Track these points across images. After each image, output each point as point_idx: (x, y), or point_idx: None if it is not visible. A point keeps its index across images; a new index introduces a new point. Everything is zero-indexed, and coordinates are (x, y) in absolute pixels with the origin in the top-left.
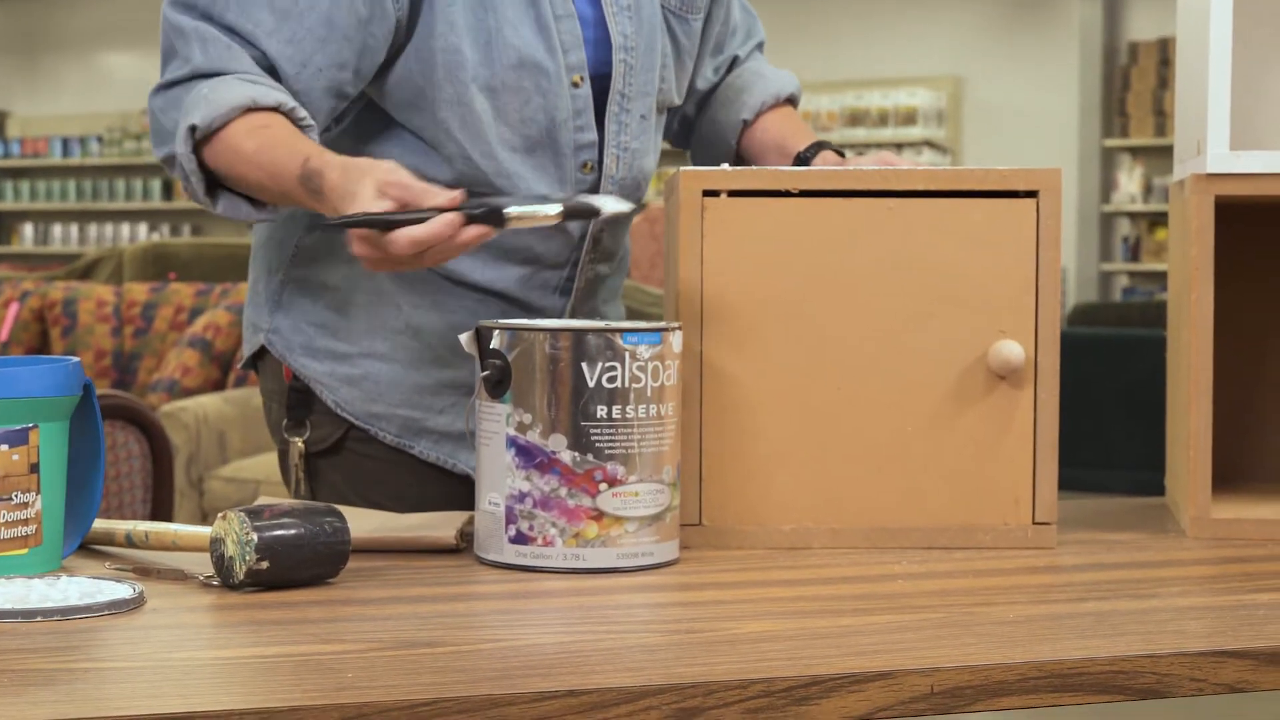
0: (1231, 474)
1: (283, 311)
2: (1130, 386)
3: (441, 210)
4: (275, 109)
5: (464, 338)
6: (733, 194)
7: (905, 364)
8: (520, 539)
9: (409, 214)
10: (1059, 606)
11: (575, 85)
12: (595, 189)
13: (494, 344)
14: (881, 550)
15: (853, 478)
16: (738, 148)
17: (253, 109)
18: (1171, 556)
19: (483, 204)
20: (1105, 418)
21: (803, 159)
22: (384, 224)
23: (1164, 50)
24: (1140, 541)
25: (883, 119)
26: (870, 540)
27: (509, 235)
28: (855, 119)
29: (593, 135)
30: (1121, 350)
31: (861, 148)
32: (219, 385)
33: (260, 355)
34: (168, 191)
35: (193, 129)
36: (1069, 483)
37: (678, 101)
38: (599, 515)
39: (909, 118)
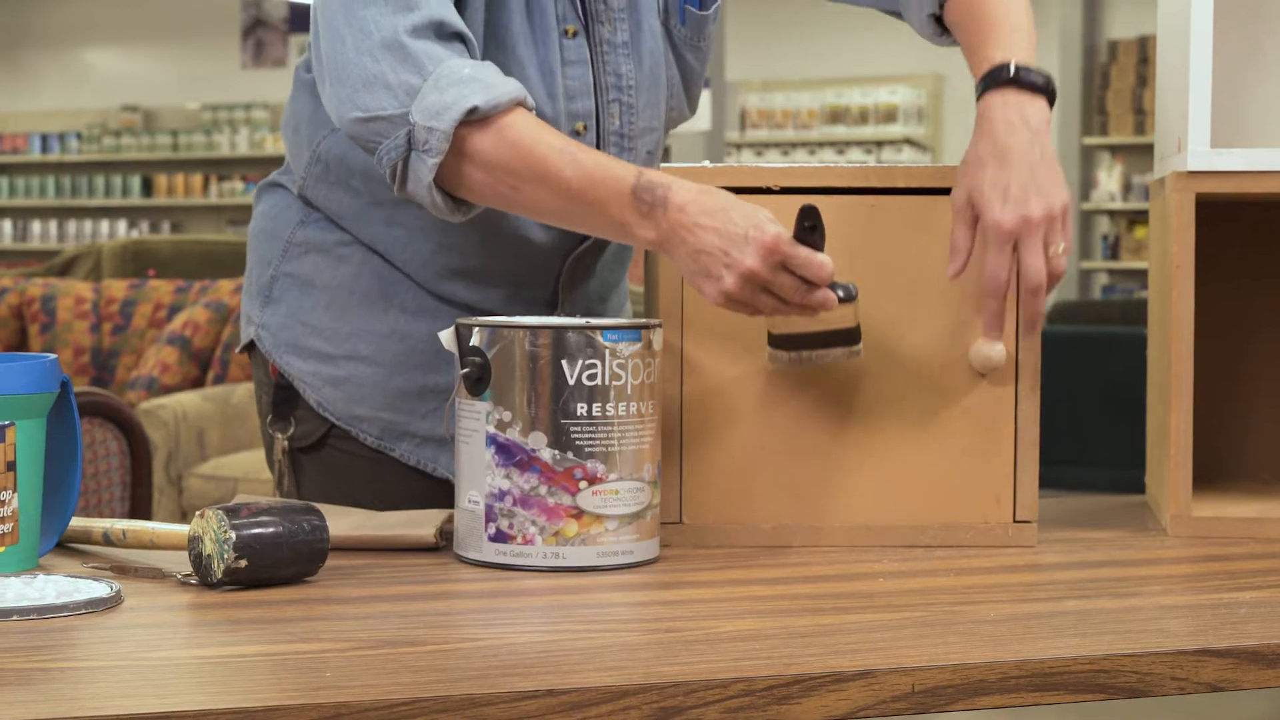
0: (1212, 472)
1: (273, 306)
2: (1110, 384)
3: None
4: (534, 109)
5: (444, 335)
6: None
7: (886, 362)
8: (500, 537)
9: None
10: (1040, 605)
11: (578, 133)
12: None
13: (474, 341)
14: (862, 549)
15: (833, 476)
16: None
17: (524, 104)
18: (1152, 555)
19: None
20: (1085, 416)
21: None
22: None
23: (1143, 48)
24: (1121, 540)
25: (863, 117)
26: (851, 539)
27: (488, 258)
28: (836, 116)
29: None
30: (1101, 348)
31: (842, 145)
32: (198, 383)
33: (253, 345)
34: (147, 188)
35: (472, 109)
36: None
37: (691, 116)
38: (579, 513)
39: (889, 115)
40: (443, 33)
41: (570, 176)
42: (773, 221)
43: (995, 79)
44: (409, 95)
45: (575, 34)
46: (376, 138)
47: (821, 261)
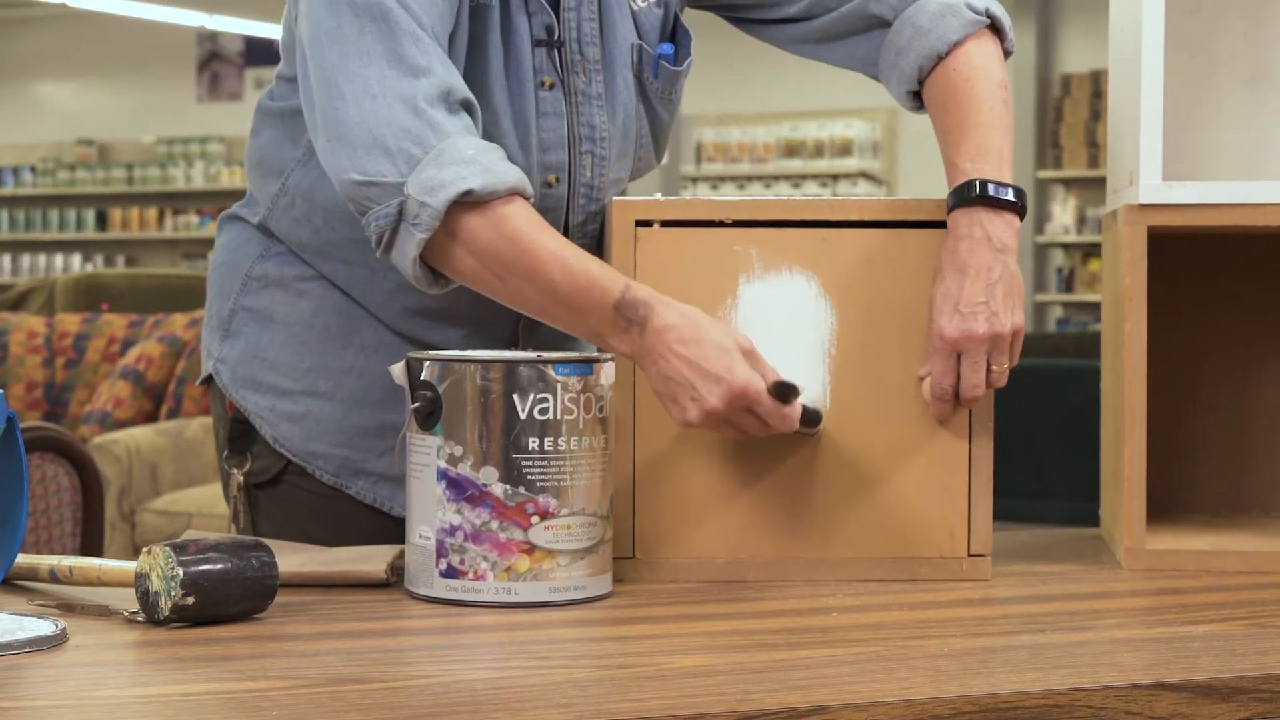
0: (1166, 504)
1: (231, 340)
2: (1065, 417)
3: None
4: (531, 199)
5: (395, 369)
6: (665, 224)
7: (839, 395)
8: (451, 573)
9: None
10: (994, 639)
11: (549, 185)
12: None
13: (424, 375)
14: (817, 583)
15: (787, 510)
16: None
17: (521, 193)
18: (1107, 588)
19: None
20: (1040, 448)
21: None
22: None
23: (1096, 82)
24: (1075, 573)
25: (819, 150)
26: (805, 573)
27: (447, 298)
28: (791, 150)
29: (558, 231)
30: (1056, 381)
31: (798, 179)
32: (151, 417)
33: (211, 378)
34: (102, 222)
35: (467, 192)
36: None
37: (656, 165)
38: (530, 549)
39: (845, 149)
40: (451, 101)
41: (558, 280)
42: (747, 358)
43: (963, 197)
44: (408, 165)
45: (552, 86)
46: (369, 202)
47: (787, 417)
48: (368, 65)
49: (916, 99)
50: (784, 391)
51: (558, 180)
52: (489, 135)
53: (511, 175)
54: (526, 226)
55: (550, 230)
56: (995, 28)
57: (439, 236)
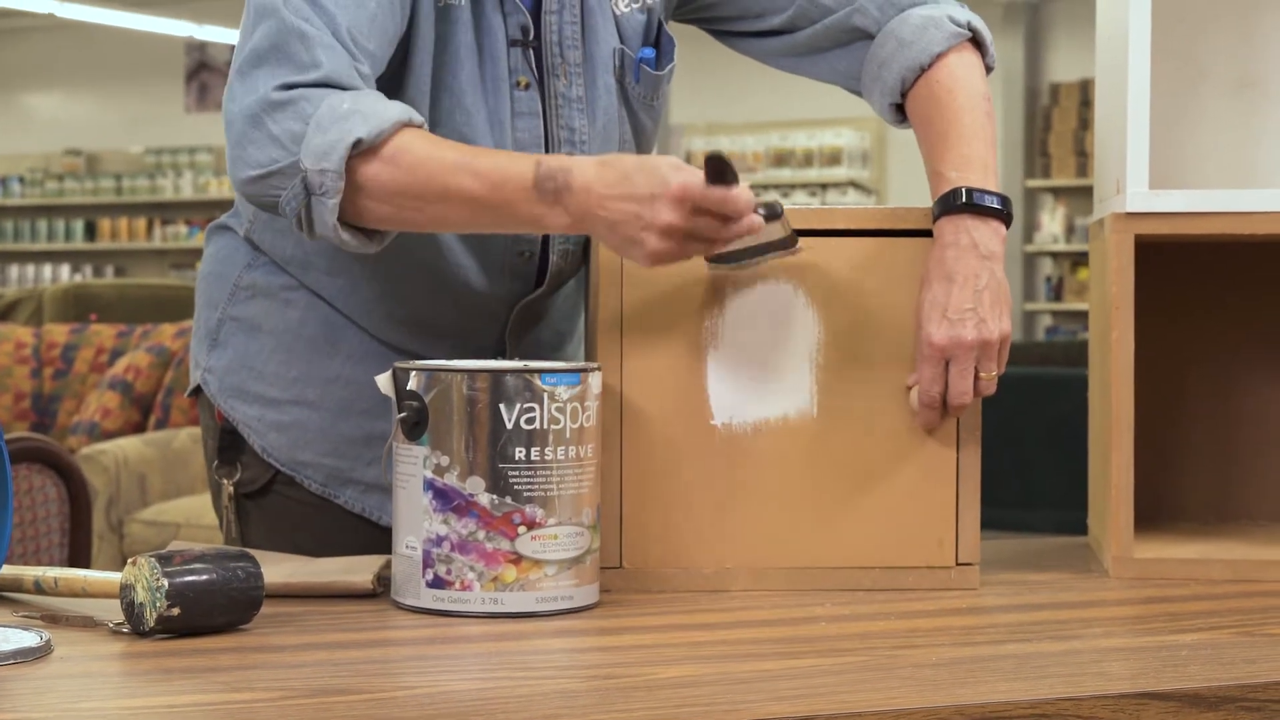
0: (1154, 513)
1: (219, 350)
2: (1054, 425)
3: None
4: (422, 126)
5: (381, 379)
6: None
7: (826, 404)
8: (438, 583)
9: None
10: (981, 649)
11: None
12: (538, 279)
13: (411, 385)
14: (804, 593)
15: (774, 519)
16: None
17: (409, 125)
18: (1094, 597)
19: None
20: (1030, 457)
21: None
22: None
23: (1085, 91)
24: (1063, 582)
25: (808, 159)
26: (792, 583)
27: (432, 307)
28: (780, 159)
29: (535, 234)
30: (1045, 389)
31: (787, 188)
32: (139, 428)
33: (200, 389)
34: (90, 233)
35: (357, 141)
36: (993, 522)
37: None
38: (517, 559)
39: (834, 158)
40: (329, 85)
41: (470, 186)
42: (677, 168)
43: (949, 204)
44: (295, 143)
45: (528, 86)
46: (274, 192)
47: (735, 196)
48: (258, 65)
49: (899, 112)
50: (717, 168)
51: None
52: (463, 135)
53: (393, 111)
54: (422, 151)
55: (446, 144)
56: (977, 41)
57: (348, 195)
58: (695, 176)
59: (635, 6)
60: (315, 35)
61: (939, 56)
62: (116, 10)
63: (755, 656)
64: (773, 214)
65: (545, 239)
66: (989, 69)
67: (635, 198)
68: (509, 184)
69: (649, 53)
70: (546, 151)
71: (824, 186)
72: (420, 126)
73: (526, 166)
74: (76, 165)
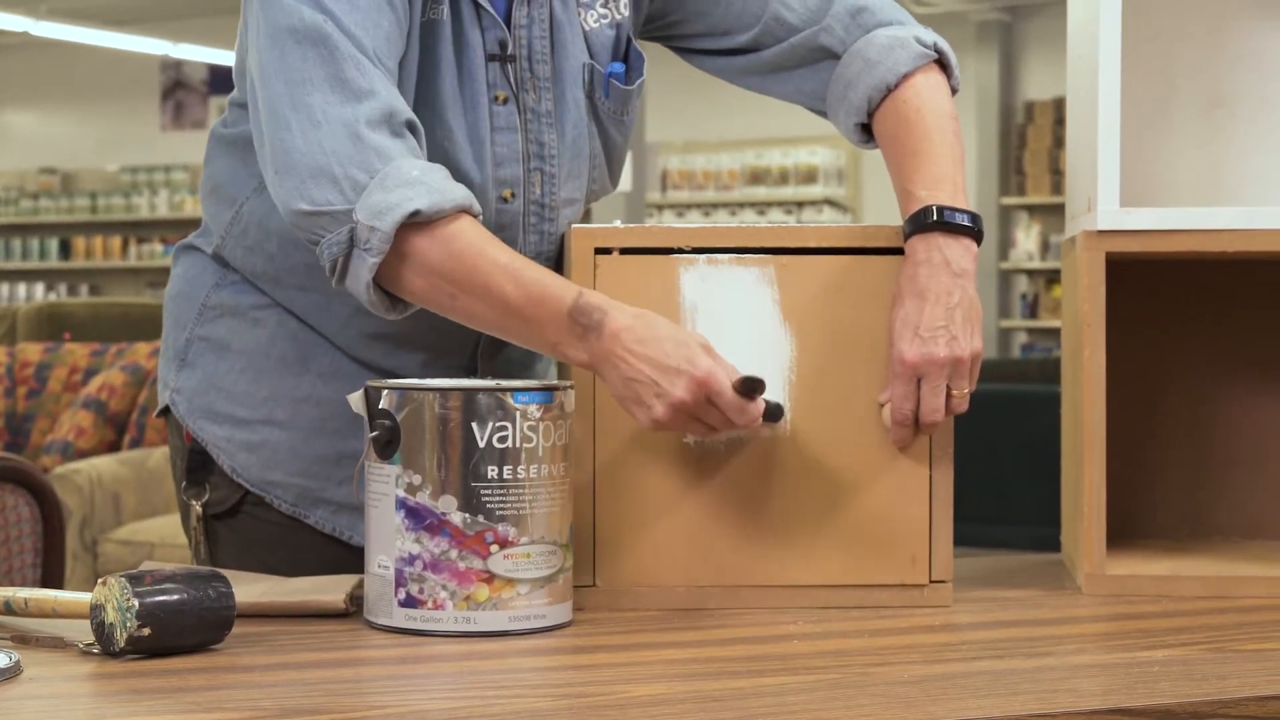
0: (1127, 529)
1: (188, 370)
2: (1029, 442)
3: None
4: (479, 216)
5: (353, 398)
6: (625, 251)
7: (799, 421)
8: (410, 602)
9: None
10: (954, 666)
11: (505, 200)
12: None
13: (383, 404)
14: (777, 610)
15: (748, 537)
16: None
17: (468, 211)
18: (1067, 614)
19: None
20: (1005, 473)
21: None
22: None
23: (1059, 109)
24: (1036, 599)
25: (783, 177)
26: (765, 600)
27: (404, 324)
28: (756, 177)
29: (515, 250)
30: (1020, 406)
31: (763, 206)
32: (114, 447)
33: (168, 409)
34: (65, 251)
35: (415, 212)
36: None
37: (613, 191)
38: (490, 577)
39: (809, 176)
40: (395, 124)
41: (510, 293)
42: (706, 352)
43: (920, 223)
44: (355, 192)
45: (506, 100)
46: (321, 231)
47: (748, 410)
48: (311, 93)
49: (864, 132)
50: (750, 387)
51: (513, 195)
52: (443, 150)
53: (457, 193)
54: (475, 243)
55: (499, 244)
56: (943, 63)
57: (390, 259)
58: (723, 369)
59: (604, 22)
60: (367, 63)
61: (905, 77)
62: (92, 29)
63: (728, 675)
64: (774, 417)
65: (518, 245)
66: (954, 90)
67: (659, 365)
68: (546, 302)
69: (618, 67)
70: (524, 167)
71: (800, 204)
72: (478, 216)
73: (568, 292)
74: (51, 184)
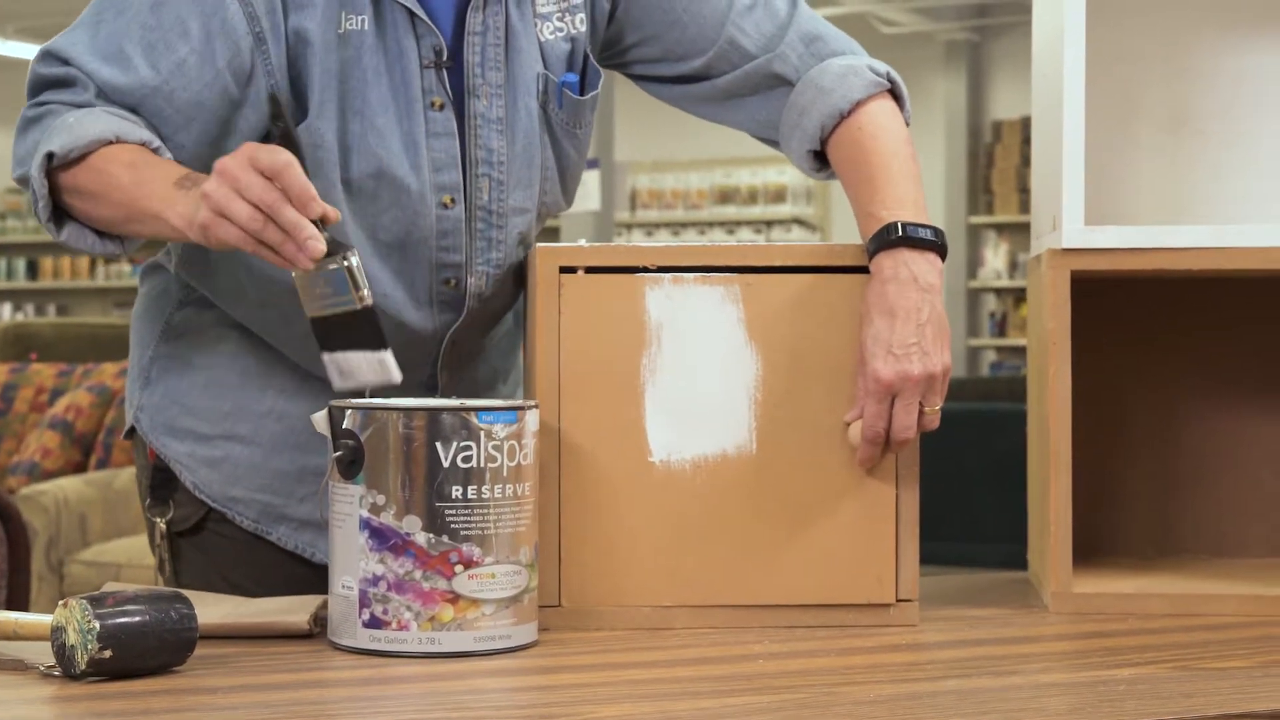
0: (1093, 547)
1: (151, 388)
2: (998, 460)
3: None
4: (142, 145)
5: (316, 418)
6: (589, 270)
7: (764, 441)
8: (374, 623)
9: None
10: (920, 685)
11: (445, 206)
12: (460, 304)
13: (347, 424)
14: (743, 630)
15: (713, 556)
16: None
17: (116, 142)
18: (1033, 632)
19: (341, 240)
20: (974, 492)
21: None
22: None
23: (1027, 129)
24: (1003, 617)
25: (752, 196)
26: (731, 620)
27: None
28: (725, 196)
29: (459, 257)
30: (989, 425)
31: (732, 225)
32: (80, 467)
33: (134, 428)
34: (32, 271)
35: (50, 156)
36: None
37: (566, 208)
38: (455, 598)
39: (778, 195)
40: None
41: (127, 178)
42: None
43: (885, 239)
44: (34, 151)
45: (442, 107)
46: (31, 200)
47: (277, 151)
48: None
49: (817, 160)
50: (274, 111)
51: (453, 201)
52: (378, 157)
53: (93, 131)
54: (106, 156)
55: (137, 155)
56: (895, 94)
57: (63, 200)
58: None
59: (560, 35)
60: (74, 79)
61: (859, 104)
62: None
63: (693, 695)
64: (336, 249)
65: (466, 252)
66: (906, 122)
67: (220, 164)
68: (159, 177)
69: (572, 77)
70: (463, 173)
71: (769, 224)
72: (137, 144)
73: (173, 171)
74: (18, 203)
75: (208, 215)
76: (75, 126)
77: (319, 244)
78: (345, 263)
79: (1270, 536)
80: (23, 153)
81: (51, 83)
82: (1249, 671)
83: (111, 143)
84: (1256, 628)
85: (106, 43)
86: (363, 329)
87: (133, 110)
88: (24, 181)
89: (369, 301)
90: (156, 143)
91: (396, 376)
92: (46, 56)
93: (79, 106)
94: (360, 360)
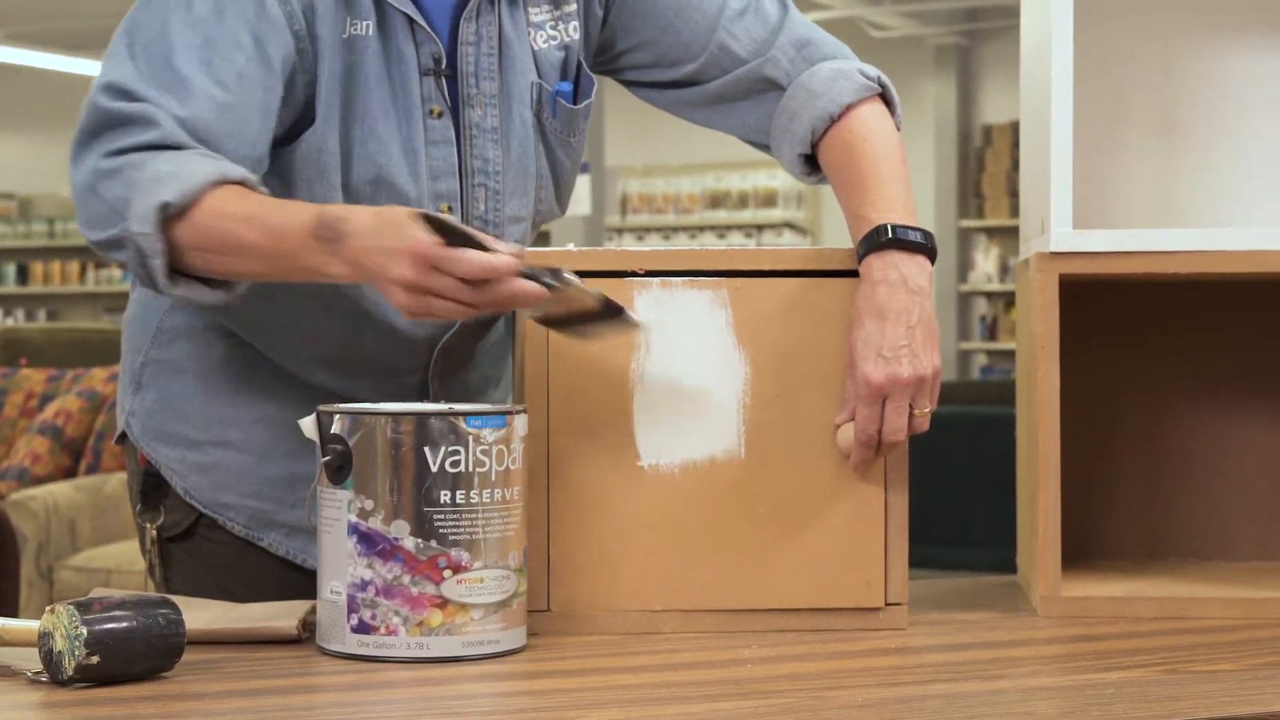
0: (1082, 550)
1: (142, 394)
2: (988, 464)
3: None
4: (242, 183)
5: (304, 423)
6: (578, 274)
7: (753, 445)
8: (363, 628)
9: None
10: (908, 689)
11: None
12: None
13: (335, 429)
14: (731, 634)
15: (702, 561)
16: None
17: (223, 182)
18: (1022, 636)
19: (542, 267)
20: (964, 495)
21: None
22: (464, 238)
23: (1017, 133)
24: (992, 621)
25: (743, 201)
26: (720, 625)
27: (355, 348)
28: (716, 201)
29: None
30: (979, 428)
31: (723, 229)
32: (70, 473)
33: (125, 433)
34: (23, 276)
35: (164, 205)
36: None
37: (560, 215)
38: (443, 603)
39: (769, 199)
40: (164, 145)
41: (258, 240)
42: (423, 222)
43: (875, 241)
44: (125, 208)
45: (440, 115)
46: (119, 256)
47: (464, 257)
48: (96, 136)
49: (808, 164)
50: (440, 227)
51: (450, 210)
52: (377, 164)
53: (204, 170)
54: (216, 207)
55: (245, 199)
56: (886, 98)
57: (176, 255)
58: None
59: (553, 44)
60: (138, 112)
61: (849, 107)
62: (50, 54)
63: (682, 699)
64: (551, 284)
65: None
66: (896, 127)
67: (385, 250)
68: (289, 237)
69: (566, 86)
70: (460, 182)
71: (759, 228)
72: (240, 182)
73: (306, 216)
74: (9, 209)
75: (407, 311)
76: (180, 173)
77: (533, 287)
78: (566, 282)
79: (1259, 539)
80: (105, 211)
81: (121, 120)
82: (1237, 675)
83: (220, 183)
84: (1245, 631)
85: (162, 71)
86: (602, 313)
87: (205, 140)
88: (116, 243)
89: (603, 296)
90: (255, 179)
91: (640, 321)
92: (110, 89)
93: (154, 148)
94: (604, 329)
